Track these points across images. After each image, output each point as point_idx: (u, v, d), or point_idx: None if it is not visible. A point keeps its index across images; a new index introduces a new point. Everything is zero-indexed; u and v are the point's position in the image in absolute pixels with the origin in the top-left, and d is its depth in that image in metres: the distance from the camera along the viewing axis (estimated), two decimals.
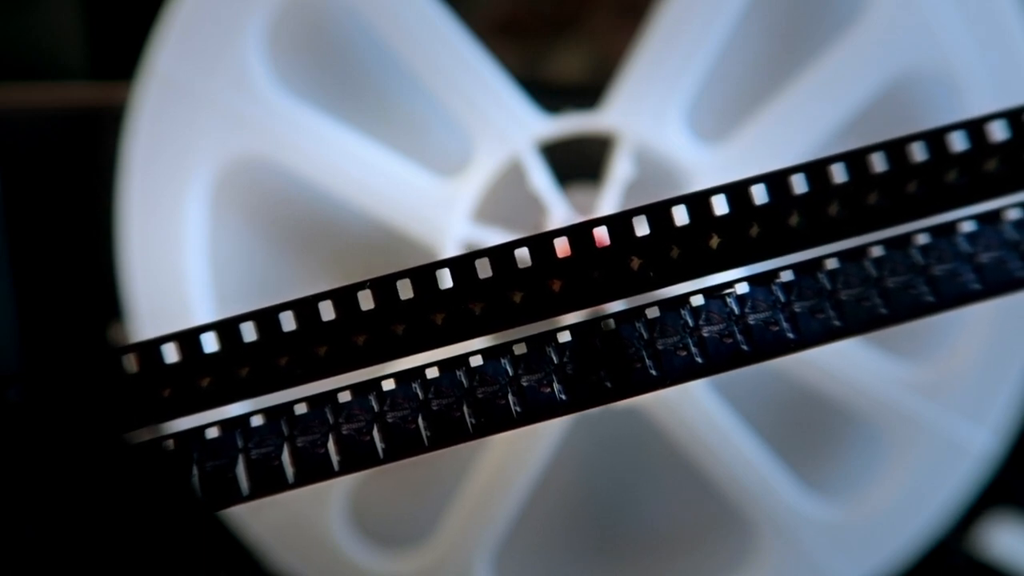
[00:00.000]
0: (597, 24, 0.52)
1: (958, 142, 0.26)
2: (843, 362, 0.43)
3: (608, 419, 0.45)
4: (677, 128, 0.43)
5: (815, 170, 0.25)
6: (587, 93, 0.44)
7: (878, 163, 0.26)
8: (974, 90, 0.42)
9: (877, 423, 0.45)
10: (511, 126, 0.42)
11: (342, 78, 0.45)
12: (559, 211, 0.42)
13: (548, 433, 0.43)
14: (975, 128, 0.26)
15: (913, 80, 0.42)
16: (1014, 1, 0.42)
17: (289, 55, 0.44)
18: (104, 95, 0.50)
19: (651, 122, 0.42)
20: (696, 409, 0.43)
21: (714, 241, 0.25)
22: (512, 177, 0.43)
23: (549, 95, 0.43)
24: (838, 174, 0.25)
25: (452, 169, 0.44)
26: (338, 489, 0.44)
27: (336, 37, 0.45)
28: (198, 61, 0.42)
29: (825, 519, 0.45)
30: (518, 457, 0.43)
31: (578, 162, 0.44)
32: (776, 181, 0.25)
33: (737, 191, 0.25)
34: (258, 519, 0.44)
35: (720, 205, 0.25)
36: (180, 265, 0.43)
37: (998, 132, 0.26)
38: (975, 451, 0.44)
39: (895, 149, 0.26)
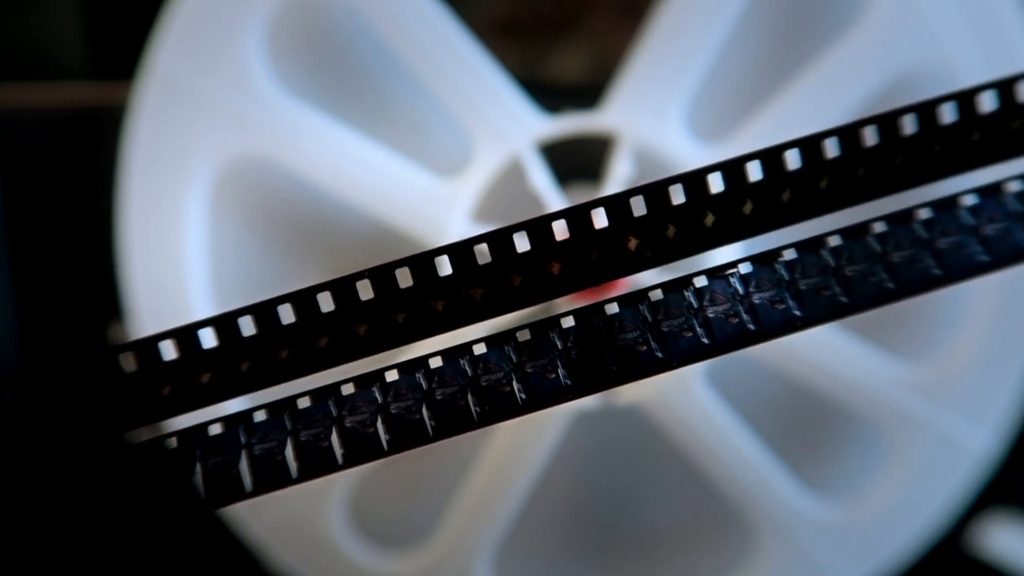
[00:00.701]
0: (597, 24, 0.52)
1: (948, 114, 0.26)
2: (843, 362, 0.43)
3: (608, 419, 0.45)
4: (677, 128, 0.43)
5: (808, 145, 0.25)
6: (587, 93, 0.44)
7: (869, 137, 0.26)
8: None
9: (877, 423, 0.45)
10: (511, 126, 0.42)
11: (342, 78, 0.45)
12: None
13: (548, 432, 0.43)
14: (965, 100, 0.26)
15: (913, 80, 0.42)
16: (1014, 1, 0.42)
17: (289, 55, 0.44)
18: (104, 95, 0.50)
19: (651, 122, 0.42)
20: (696, 409, 0.43)
21: (709, 219, 0.25)
22: (512, 177, 0.43)
23: (549, 95, 0.44)
24: (830, 148, 0.25)
25: (452, 169, 0.44)
26: (338, 488, 0.44)
27: (336, 37, 0.45)
28: (198, 61, 0.42)
29: (825, 519, 0.45)
30: (518, 457, 0.43)
31: (578, 162, 0.44)
32: (771, 157, 0.25)
33: (733, 168, 0.25)
34: (258, 518, 0.44)
35: (715, 183, 0.25)
36: (180, 265, 0.43)
37: (987, 103, 0.26)
38: (975, 451, 0.44)
39: (886, 122, 0.25)
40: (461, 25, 0.42)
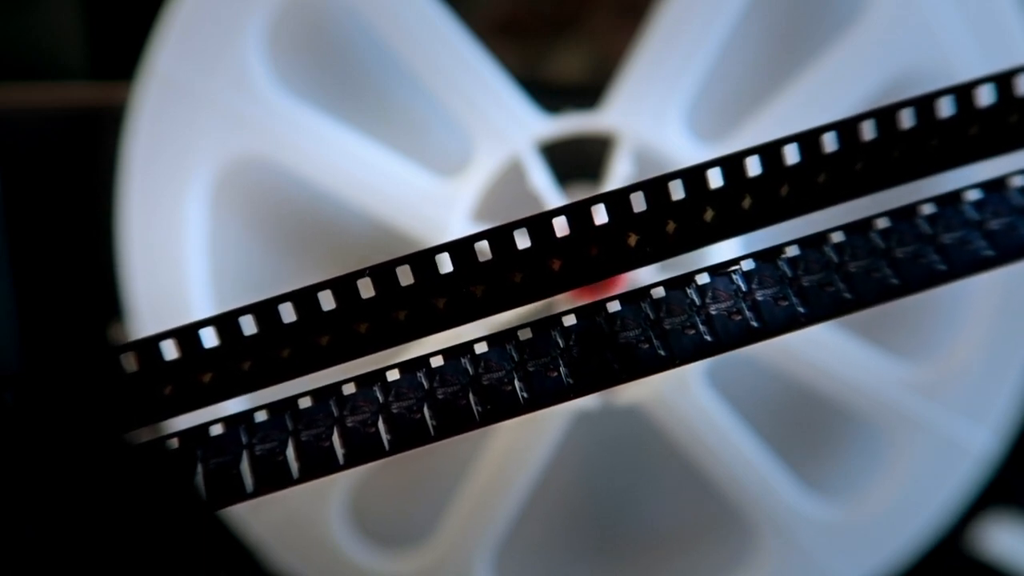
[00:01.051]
0: (597, 24, 0.52)
1: (946, 108, 0.26)
2: (842, 362, 0.43)
3: (608, 418, 0.45)
4: (677, 128, 0.43)
5: (807, 140, 0.25)
6: (587, 93, 0.44)
7: (867, 131, 0.25)
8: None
9: (876, 423, 0.45)
10: (511, 126, 0.42)
11: (342, 78, 0.45)
12: None
13: (548, 432, 0.43)
14: (963, 93, 0.25)
15: (913, 80, 0.42)
16: (1014, 1, 0.42)
17: (289, 55, 0.44)
18: (104, 95, 0.50)
19: (651, 122, 0.42)
20: (696, 409, 0.43)
21: (708, 214, 0.25)
22: (512, 177, 0.43)
23: (549, 95, 0.43)
24: (829, 143, 0.25)
25: (452, 169, 0.44)
26: (338, 488, 0.44)
27: (336, 37, 0.45)
28: (198, 61, 0.42)
29: (825, 519, 0.45)
30: (518, 457, 0.43)
31: (578, 162, 0.44)
32: (769, 152, 0.25)
33: (732, 163, 0.25)
34: (258, 518, 0.44)
35: (715, 179, 0.25)
36: (180, 265, 0.43)
37: (985, 97, 0.26)
38: (975, 451, 0.44)
39: (884, 116, 0.25)
40: (461, 25, 0.42)
